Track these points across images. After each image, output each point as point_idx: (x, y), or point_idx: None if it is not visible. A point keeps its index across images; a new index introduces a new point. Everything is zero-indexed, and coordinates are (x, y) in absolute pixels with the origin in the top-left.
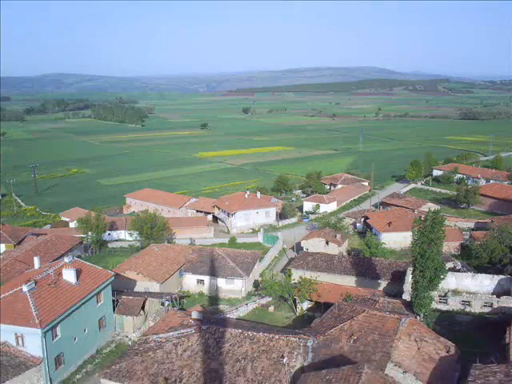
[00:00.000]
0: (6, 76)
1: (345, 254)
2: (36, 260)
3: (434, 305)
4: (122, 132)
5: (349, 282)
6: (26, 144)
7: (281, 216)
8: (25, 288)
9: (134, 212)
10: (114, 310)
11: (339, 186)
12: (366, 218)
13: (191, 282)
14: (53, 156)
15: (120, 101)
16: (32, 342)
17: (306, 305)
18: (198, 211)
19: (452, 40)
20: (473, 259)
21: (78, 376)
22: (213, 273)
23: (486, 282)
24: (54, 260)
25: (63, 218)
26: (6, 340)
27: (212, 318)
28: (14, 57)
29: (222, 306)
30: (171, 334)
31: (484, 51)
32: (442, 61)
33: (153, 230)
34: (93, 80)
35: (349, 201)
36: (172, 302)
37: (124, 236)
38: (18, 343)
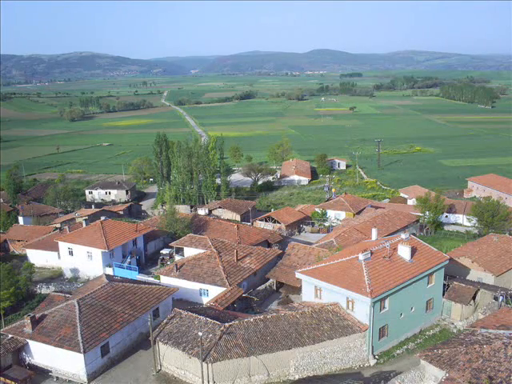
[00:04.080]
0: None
1: None
2: (374, 232)
3: None
4: (470, 113)
5: None
6: (373, 119)
7: None
8: (361, 257)
9: (474, 197)
10: (443, 294)
11: None
12: None
13: None
14: (397, 132)
15: (470, 80)
16: (361, 309)
17: None
18: None
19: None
20: None
21: (398, 351)
22: None
23: None
24: (389, 234)
25: (402, 195)
26: (339, 302)
27: None
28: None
29: None
30: (502, 332)
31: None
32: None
33: (494, 218)
34: (444, 58)
35: None
36: (506, 298)
37: (462, 220)
38: (347, 307)
